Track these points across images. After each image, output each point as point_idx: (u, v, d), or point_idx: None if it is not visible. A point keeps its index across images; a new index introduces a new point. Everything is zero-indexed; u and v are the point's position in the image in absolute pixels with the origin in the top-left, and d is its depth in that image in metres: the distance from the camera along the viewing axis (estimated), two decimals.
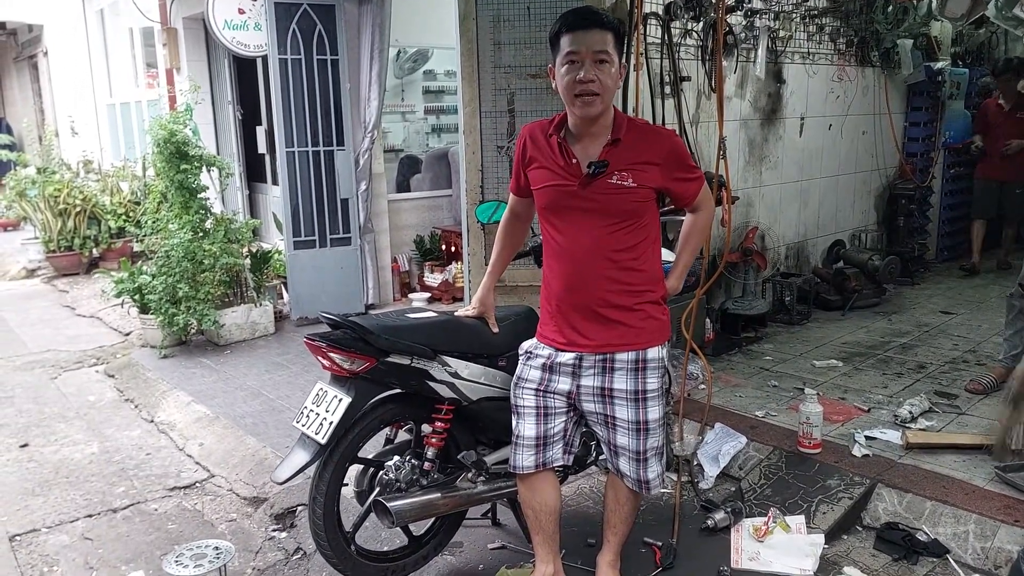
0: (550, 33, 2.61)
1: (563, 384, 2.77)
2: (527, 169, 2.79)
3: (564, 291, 2.73)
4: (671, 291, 2.84)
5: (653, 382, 2.74)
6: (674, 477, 3.90)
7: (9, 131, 16.30)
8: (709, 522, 3.53)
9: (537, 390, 2.81)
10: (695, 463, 4.02)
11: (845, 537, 3.49)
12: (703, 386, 4.68)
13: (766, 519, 3.50)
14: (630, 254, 2.66)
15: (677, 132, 5.35)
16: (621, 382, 2.72)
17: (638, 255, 2.67)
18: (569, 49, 2.53)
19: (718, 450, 4.03)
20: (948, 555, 3.28)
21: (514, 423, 2.88)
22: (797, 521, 3.50)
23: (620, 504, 2.96)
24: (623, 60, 2.62)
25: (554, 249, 2.74)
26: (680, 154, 2.70)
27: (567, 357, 2.74)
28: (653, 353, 2.73)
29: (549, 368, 2.78)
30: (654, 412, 2.76)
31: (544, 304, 2.83)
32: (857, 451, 3.90)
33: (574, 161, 2.63)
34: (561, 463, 2.92)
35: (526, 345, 2.89)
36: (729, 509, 3.56)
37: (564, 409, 2.82)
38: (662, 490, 3.89)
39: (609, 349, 2.70)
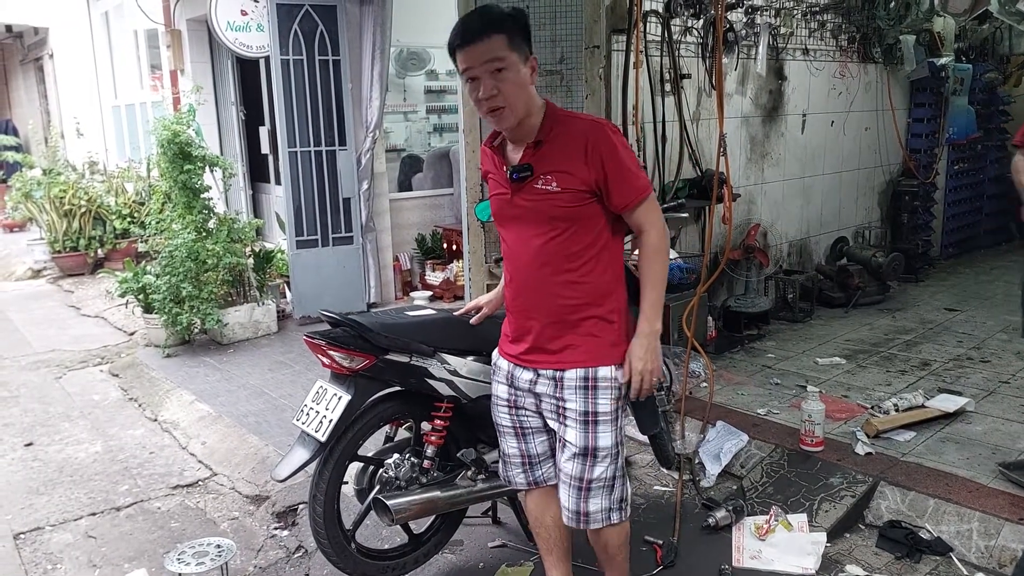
0: (448, 51, 2.44)
1: (528, 399, 2.62)
2: (487, 182, 2.71)
3: (511, 300, 2.61)
4: (647, 336, 2.48)
5: (605, 403, 2.50)
6: (675, 475, 3.90)
7: (15, 133, 16.37)
8: (710, 520, 3.53)
9: (509, 407, 2.67)
10: (696, 461, 4.02)
11: (847, 535, 3.48)
12: (705, 384, 4.67)
13: (768, 517, 3.49)
14: (570, 263, 2.45)
15: (678, 129, 5.35)
16: (572, 401, 2.51)
17: (579, 265, 2.45)
18: (463, 67, 2.37)
19: (720, 448, 4.03)
20: (951, 553, 3.27)
21: (498, 439, 2.80)
22: (799, 519, 3.49)
23: (601, 549, 2.77)
24: (531, 52, 2.40)
25: (505, 257, 2.63)
26: (609, 145, 2.38)
27: (524, 374, 2.59)
28: (605, 372, 2.49)
29: (512, 383, 2.64)
30: (605, 439, 2.52)
31: (506, 311, 2.70)
32: (860, 449, 3.89)
33: (505, 168, 2.50)
34: (555, 481, 2.73)
35: (494, 356, 2.76)
36: (731, 507, 3.55)
37: (541, 427, 2.67)
38: (663, 488, 3.89)
39: (556, 365, 2.52)
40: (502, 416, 2.71)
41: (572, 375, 2.50)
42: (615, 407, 2.53)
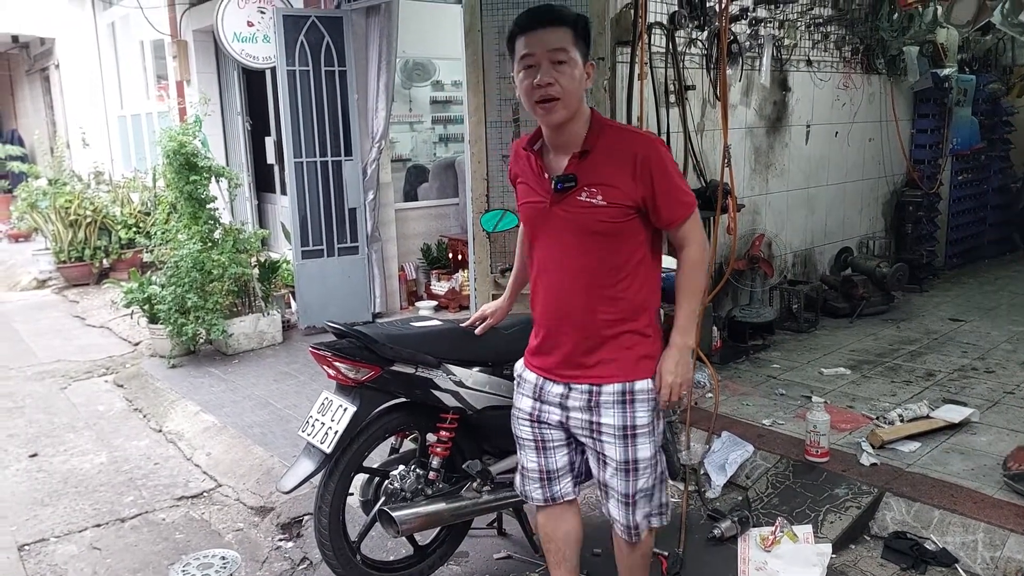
0: (507, 38, 2.41)
1: (554, 415, 2.58)
2: (516, 186, 2.65)
3: (542, 313, 2.56)
4: (680, 349, 2.48)
5: (643, 416, 2.49)
6: (681, 486, 3.89)
7: (21, 143, 16.45)
8: (716, 531, 3.52)
9: (531, 420, 2.64)
10: (702, 472, 4.01)
11: (853, 547, 3.47)
12: (710, 394, 4.68)
13: (773, 528, 3.49)
14: (608, 278, 2.42)
15: (682, 140, 5.36)
16: (608, 417, 2.49)
17: (617, 281, 2.42)
18: (524, 52, 2.33)
19: (725, 459, 4.02)
20: (957, 564, 3.26)
21: (517, 452, 2.78)
22: (804, 530, 3.49)
23: (623, 554, 2.75)
24: (590, 59, 2.40)
25: (535, 267, 2.58)
26: (657, 162, 2.36)
27: (554, 388, 2.56)
28: (641, 385, 2.48)
29: (539, 397, 2.61)
30: (645, 450, 2.51)
31: (534, 321, 2.66)
32: (865, 460, 3.88)
33: (546, 176, 2.45)
34: (572, 496, 2.75)
35: (518, 367, 2.73)
36: (736, 518, 3.55)
37: (563, 441, 2.64)
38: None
39: (592, 380, 2.49)
40: (523, 429, 2.67)
41: (609, 390, 2.48)
42: (652, 418, 2.52)
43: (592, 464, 2.62)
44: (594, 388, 2.49)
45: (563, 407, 2.56)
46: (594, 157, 2.38)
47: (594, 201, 2.36)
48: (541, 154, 2.51)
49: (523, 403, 2.66)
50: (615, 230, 2.38)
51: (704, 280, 2.54)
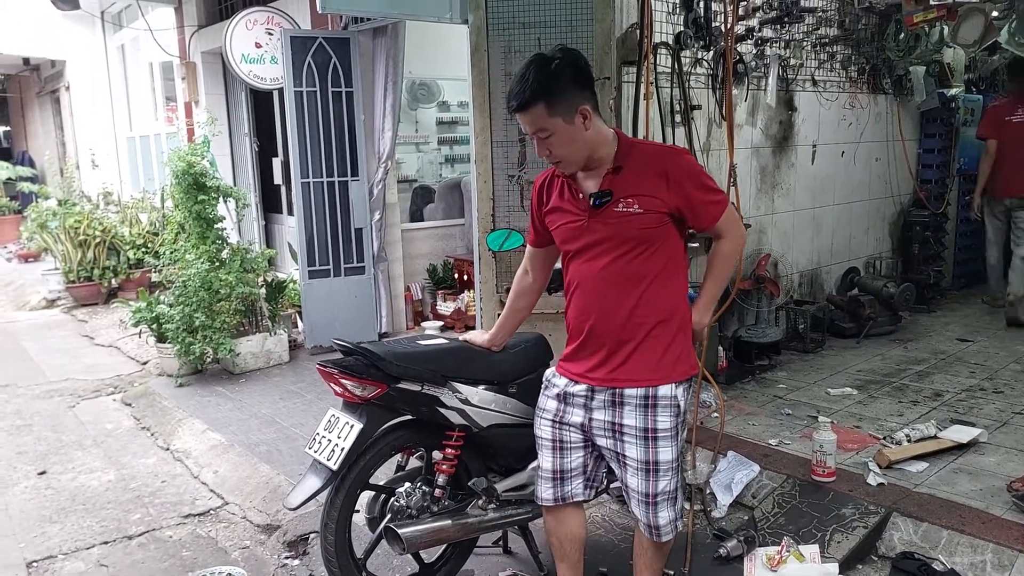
0: None
1: (576, 416, 2.72)
2: (545, 214, 2.78)
3: (576, 322, 2.70)
4: (697, 325, 2.72)
5: (665, 421, 2.62)
6: (687, 505, 3.88)
7: (31, 164, 16.61)
8: (722, 551, 3.51)
9: (553, 421, 2.77)
10: (708, 492, 4.00)
11: (860, 567, 3.45)
12: (716, 414, 4.66)
13: (780, 548, 3.46)
14: (642, 285, 2.58)
15: None
16: (631, 418, 2.63)
17: (650, 285, 2.58)
18: (522, 127, 2.57)
19: (731, 479, 4.01)
20: None
21: (538, 454, 2.89)
22: (811, 550, 3.46)
23: (643, 549, 2.87)
24: (573, 109, 2.49)
25: (569, 280, 2.73)
26: (690, 170, 2.58)
27: (579, 388, 2.70)
28: (665, 391, 2.62)
29: (563, 399, 2.74)
30: (666, 453, 2.64)
31: (568, 333, 2.79)
32: (872, 479, 3.86)
33: (581, 196, 2.62)
34: (582, 498, 2.87)
35: (548, 373, 2.87)
36: (742, 538, 3.53)
37: (580, 443, 2.77)
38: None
39: (617, 384, 2.63)
40: (544, 429, 2.81)
41: (632, 394, 2.62)
42: (674, 423, 2.64)
43: (615, 467, 2.75)
44: (618, 391, 2.63)
45: (586, 407, 2.70)
46: (627, 171, 2.56)
47: (631, 210, 2.53)
48: (574, 177, 2.66)
49: (548, 404, 2.80)
50: (651, 236, 2.55)
51: (731, 270, 2.80)
